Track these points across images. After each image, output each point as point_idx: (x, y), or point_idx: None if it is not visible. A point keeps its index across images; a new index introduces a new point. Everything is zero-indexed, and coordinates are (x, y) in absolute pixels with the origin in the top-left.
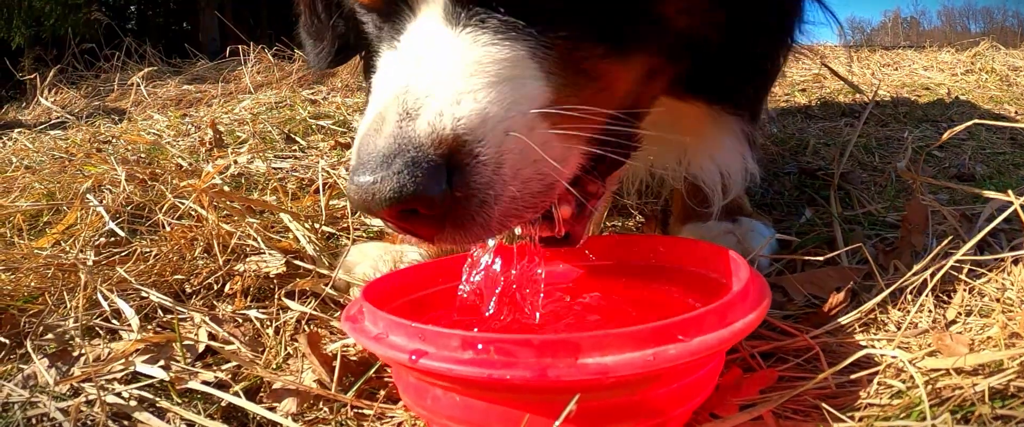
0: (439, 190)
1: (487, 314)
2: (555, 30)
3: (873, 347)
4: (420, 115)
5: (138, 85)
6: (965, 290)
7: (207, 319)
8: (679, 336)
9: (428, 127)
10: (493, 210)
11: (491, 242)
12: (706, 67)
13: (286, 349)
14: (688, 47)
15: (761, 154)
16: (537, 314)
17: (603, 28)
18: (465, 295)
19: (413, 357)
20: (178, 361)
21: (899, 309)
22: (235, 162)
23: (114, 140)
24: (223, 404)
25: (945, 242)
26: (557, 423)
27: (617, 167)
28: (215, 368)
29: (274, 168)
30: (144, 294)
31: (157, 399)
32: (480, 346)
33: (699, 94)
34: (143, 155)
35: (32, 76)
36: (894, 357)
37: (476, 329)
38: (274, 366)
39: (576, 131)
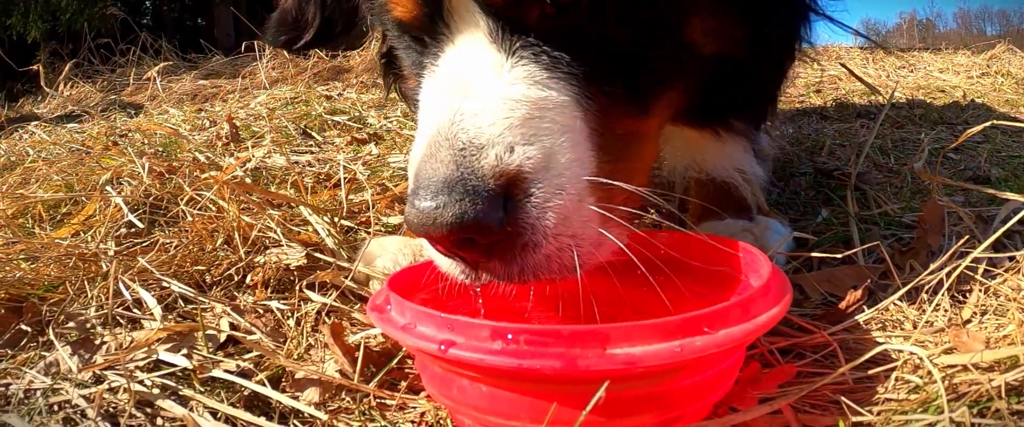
0: (497, 218)
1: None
2: (592, 64)
3: (890, 343)
4: (484, 146)
5: (155, 78)
6: (981, 289)
7: (228, 309)
8: (705, 328)
9: (494, 159)
10: (533, 256)
11: None
12: (716, 94)
13: (308, 340)
14: (710, 73)
15: (770, 156)
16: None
17: (633, 63)
18: None
19: (442, 347)
20: (200, 350)
21: (915, 307)
22: (253, 156)
23: (130, 133)
24: (246, 393)
25: (961, 242)
26: (585, 412)
27: None
28: (237, 357)
29: (292, 162)
30: (165, 284)
31: (180, 387)
32: (510, 336)
33: (707, 122)
34: (160, 148)
35: (35, 66)
36: (912, 353)
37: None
38: (296, 356)
39: (615, 212)
